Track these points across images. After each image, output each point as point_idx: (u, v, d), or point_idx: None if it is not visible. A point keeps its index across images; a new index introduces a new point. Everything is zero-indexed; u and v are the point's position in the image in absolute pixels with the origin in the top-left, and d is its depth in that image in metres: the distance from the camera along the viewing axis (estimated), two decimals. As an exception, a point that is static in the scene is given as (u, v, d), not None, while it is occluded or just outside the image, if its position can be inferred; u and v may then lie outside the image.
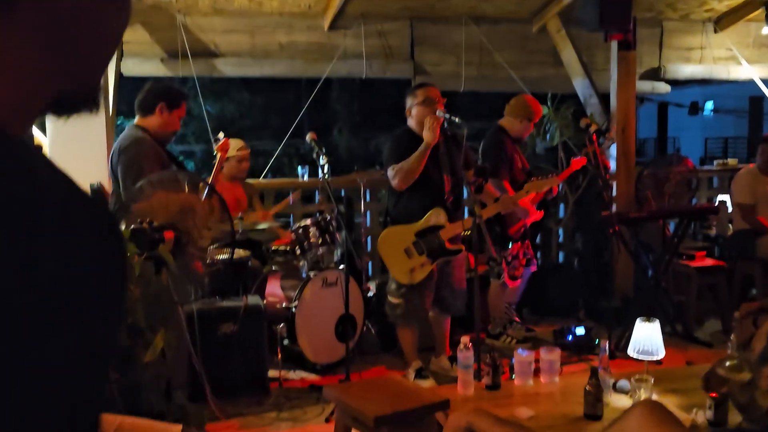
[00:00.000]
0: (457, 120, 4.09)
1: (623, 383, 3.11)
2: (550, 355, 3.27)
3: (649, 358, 3.14)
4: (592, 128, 4.88)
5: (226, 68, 6.86)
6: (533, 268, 5.39)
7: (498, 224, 4.97)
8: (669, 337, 5.29)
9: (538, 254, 6.74)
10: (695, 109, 27.65)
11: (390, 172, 4.37)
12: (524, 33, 7.36)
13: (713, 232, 6.60)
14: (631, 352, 3.19)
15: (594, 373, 2.88)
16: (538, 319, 5.98)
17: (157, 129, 3.73)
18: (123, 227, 2.65)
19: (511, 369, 3.39)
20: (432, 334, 4.80)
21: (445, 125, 4.19)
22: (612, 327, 5.02)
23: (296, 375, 4.82)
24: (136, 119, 3.78)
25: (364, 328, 5.14)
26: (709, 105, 28.37)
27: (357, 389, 2.95)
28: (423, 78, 6.74)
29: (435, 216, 4.38)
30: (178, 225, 3.16)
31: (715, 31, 7.69)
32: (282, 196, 7.17)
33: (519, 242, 5.18)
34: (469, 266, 4.64)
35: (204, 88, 7.63)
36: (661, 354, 3.17)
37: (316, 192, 6.32)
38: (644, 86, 7.52)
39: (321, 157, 4.34)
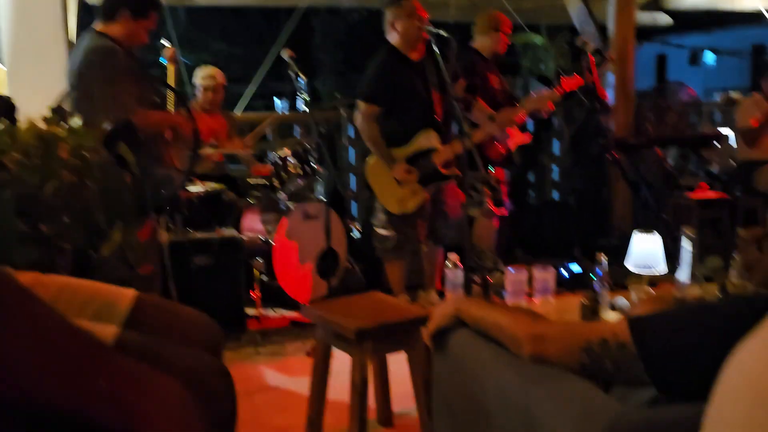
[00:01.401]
0: (444, 34, 3.96)
1: (621, 301, 3.05)
2: (544, 274, 3.21)
3: (650, 272, 3.08)
4: (589, 47, 4.76)
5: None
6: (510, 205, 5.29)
7: (479, 151, 4.84)
8: (669, 274, 5.27)
9: (531, 193, 6.68)
10: (695, 58, 27.58)
11: (361, 107, 4.23)
12: (517, -41, 7.22)
13: (715, 167, 6.54)
14: (630, 265, 3.13)
15: (591, 286, 2.82)
16: (531, 259, 5.91)
17: (121, 39, 3.52)
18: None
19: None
20: (420, 269, 4.72)
21: (431, 40, 4.06)
22: (610, 264, 4.96)
23: (276, 313, 4.75)
24: (96, 25, 3.57)
25: (348, 265, 5.07)
26: (711, 55, 28.30)
27: (339, 305, 2.87)
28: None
29: (426, 138, 4.26)
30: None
31: (719, -41, 7.58)
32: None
33: (501, 167, 5.06)
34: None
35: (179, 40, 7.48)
36: (662, 268, 3.10)
37: (295, 127, 6.22)
38: (644, 18, 7.39)
39: (299, 76, 4.21)
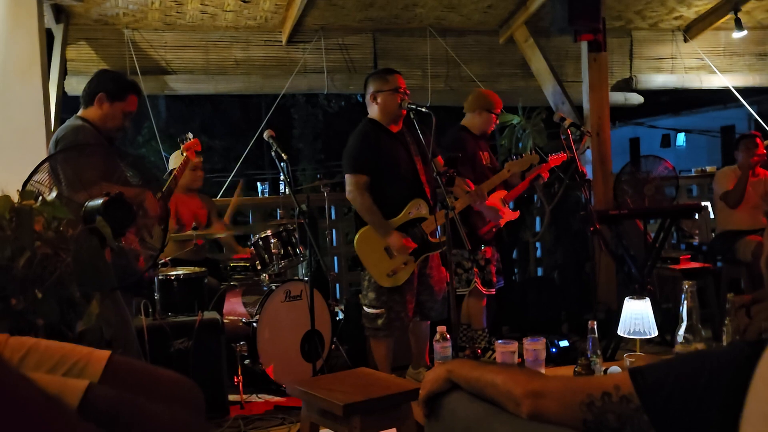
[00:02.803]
0: (424, 110, 4.00)
1: (614, 369, 2.97)
2: (535, 344, 3.13)
3: (642, 337, 3.02)
4: (567, 122, 4.82)
5: (179, 85, 6.76)
6: (501, 283, 5.26)
7: (466, 225, 4.83)
8: (657, 345, 5.19)
9: (515, 270, 6.65)
10: (667, 140, 28.21)
11: (349, 180, 4.23)
12: (492, 44, 7.40)
13: (696, 240, 6.56)
14: (621, 331, 3.06)
15: (582, 353, 2.74)
16: (519, 336, 5.82)
17: (96, 122, 3.52)
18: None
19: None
20: (406, 348, 4.62)
21: (412, 115, 4.09)
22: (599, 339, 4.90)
23: (259, 398, 4.60)
24: (79, 111, 3.59)
25: (333, 346, 4.96)
26: (681, 137, 28.97)
27: (325, 382, 2.77)
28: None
29: (415, 207, 4.25)
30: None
31: (685, 40, 7.80)
32: (240, 221, 7.07)
33: (491, 246, 5.05)
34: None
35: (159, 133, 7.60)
36: (653, 332, 3.04)
37: (277, 210, 6.20)
38: (617, 98, 7.55)
39: (281, 156, 4.20)
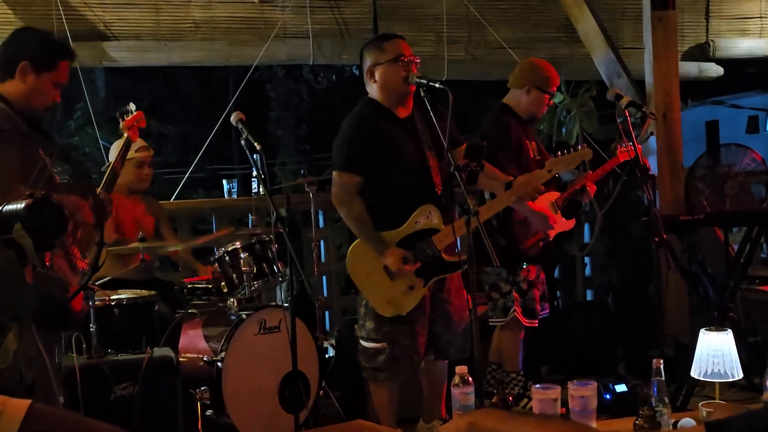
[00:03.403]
0: (438, 85, 4.01)
1: (687, 421, 2.97)
2: (582, 390, 3.12)
3: (722, 380, 3.02)
4: (624, 101, 4.82)
5: (121, 55, 6.77)
6: (546, 312, 5.27)
7: (504, 237, 4.83)
8: (742, 390, 5.19)
9: (558, 293, 6.66)
10: (754, 124, 28.22)
11: (337, 179, 4.24)
12: (528, 1, 7.42)
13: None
14: (696, 373, 3.07)
15: (645, 401, 2.74)
16: (563, 379, 5.84)
17: (18, 99, 3.49)
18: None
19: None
20: (417, 394, 4.63)
21: (422, 93, 4.10)
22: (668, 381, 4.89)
23: (226, 459, 4.61)
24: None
25: (321, 392, 4.97)
26: (774, 120, 28.99)
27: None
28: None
29: (425, 216, 4.24)
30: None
31: (778, -6, 7.82)
32: (200, 230, 7.09)
33: (536, 265, 5.05)
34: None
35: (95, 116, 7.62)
36: (737, 373, 3.04)
37: (249, 216, 6.23)
38: (689, 69, 7.57)
39: (254, 146, 4.19)
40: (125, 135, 4.21)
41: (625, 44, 7.29)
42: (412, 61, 4.22)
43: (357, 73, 19.94)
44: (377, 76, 4.26)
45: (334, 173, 4.26)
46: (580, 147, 4.77)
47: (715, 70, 7.82)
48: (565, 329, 6.01)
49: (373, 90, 4.32)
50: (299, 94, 21.32)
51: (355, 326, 4.63)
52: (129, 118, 4.24)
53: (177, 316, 4.96)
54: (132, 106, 4.28)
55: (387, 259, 4.17)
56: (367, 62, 4.31)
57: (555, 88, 5.08)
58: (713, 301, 5.03)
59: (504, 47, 7.15)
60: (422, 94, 4.10)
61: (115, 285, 4.67)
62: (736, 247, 5.65)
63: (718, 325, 4.20)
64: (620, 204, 6.21)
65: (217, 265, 5.01)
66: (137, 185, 5.27)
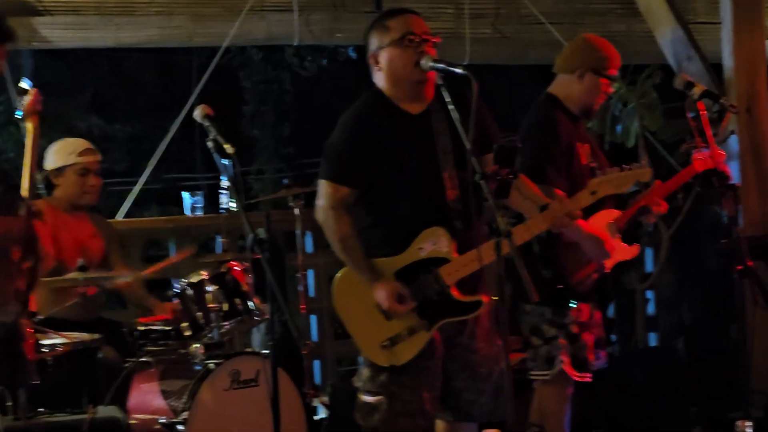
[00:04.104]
0: (459, 70, 4.00)
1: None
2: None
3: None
4: (698, 90, 4.81)
5: (56, 34, 6.82)
6: (603, 362, 5.24)
7: (548, 267, 4.80)
8: None
9: (613, 337, 6.64)
10: None
11: (323, 189, 4.22)
12: (572, -37, 7.48)
13: None
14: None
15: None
16: (620, 446, 5.86)
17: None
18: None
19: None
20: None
21: (439, 80, 4.09)
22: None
23: None
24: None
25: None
26: None
27: None
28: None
29: (431, 241, 4.23)
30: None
31: None
32: (155, 257, 7.07)
33: (590, 303, 5.02)
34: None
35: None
36: None
37: (218, 239, 6.21)
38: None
39: (224, 150, 4.20)
40: (29, 126, 4.09)
41: (698, 18, 7.31)
42: (426, 41, 4.21)
43: (354, 56, 19.93)
44: (382, 61, 4.26)
45: (321, 182, 4.25)
46: (639, 153, 4.76)
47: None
48: (623, 383, 5.99)
49: (379, 80, 4.32)
50: (281, 84, 21.29)
51: (354, 378, 4.60)
52: (29, 100, 4.13)
53: (127, 365, 4.96)
54: (25, 84, 4.15)
55: (376, 294, 4.15)
56: (372, 46, 4.31)
57: (616, 71, 5.06)
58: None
59: (542, 22, 7.17)
60: (439, 82, 4.08)
61: (49, 326, 4.67)
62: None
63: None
64: (692, 223, 6.20)
65: (177, 301, 5.00)
66: (81, 199, 5.26)
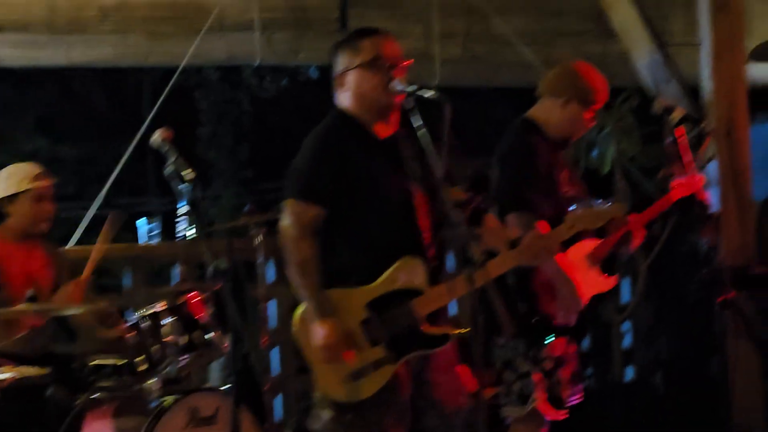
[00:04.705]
0: (430, 95, 4.02)
1: None
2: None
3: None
4: (676, 114, 4.87)
5: (4, 53, 6.81)
6: (578, 397, 5.27)
7: (524, 300, 4.82)
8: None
9: (589, 371, 6.67)
10: None
11: (290, 209, 4.22)
12: (545, -17, 7.54)
13: None
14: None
15: None
16: (595, 486, 5.87)
17: None
18: None
19: None
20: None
21: (409, 105, 4.11)
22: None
23: None
24: None
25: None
26: None
27: None
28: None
29: (405, 272, 4.24)
30: None
31: None
32: (107, 287, 7.05)
33: (565, 336, 5.04)
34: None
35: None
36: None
37: (175, 268, 6.21)
38: (760, 72, 7.64)
39: (181, 175, 4.20)
40: None
41: (675, 39, 7.36)
42: (397, 64, 4.23)
43: (316, 76, 19.89)
44: (350, 83, 4.27)
45: (288, 201, 4.24)
46: (616, 180, 4.79)
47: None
48: (599, 418, 6.01)
49: (344, 101, 4.33)
50: (239, 104, 21.22)
51: (311, 414, 4.59)
52: None
53: (78, 402, 4.89)
54: None
55: (316, 330, 4.12)
56: (339, 66, 4.32)
57: (602, 104, 5.07)
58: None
59: (514, 43, 7.22)
60: (408, 106, 4.09)
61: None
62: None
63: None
64: (671, 252, 6.24)
65: (133, 333, 4.97)
66: (36, 227, 5.25)
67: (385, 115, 4.29)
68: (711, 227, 4.90)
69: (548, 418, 4.93)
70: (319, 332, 4.09)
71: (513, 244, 4.42)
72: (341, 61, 4.31)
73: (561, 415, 4.98)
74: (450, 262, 4.86)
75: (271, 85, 20.55)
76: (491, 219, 4.45)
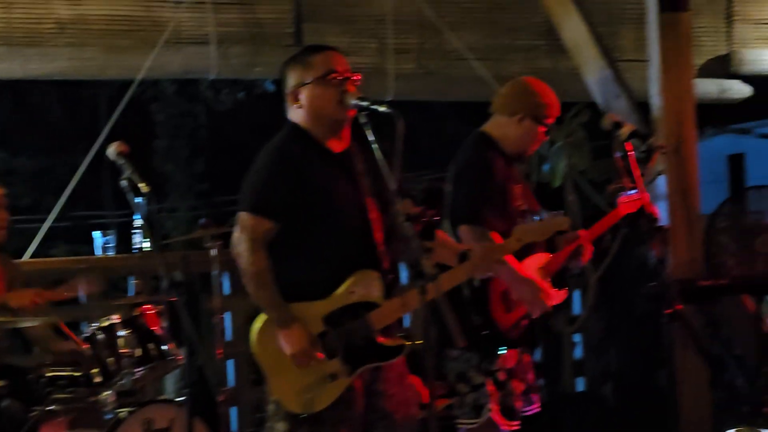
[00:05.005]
0: (383, 109, 4.03)
1: None
2: None
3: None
4: (625, 130, 4.90)
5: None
6: (535, 407, 5.28)
7: (478, 312, 4.83)
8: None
9: (540, 381, 6.68)
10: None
11: (242, 222, 4.21)
12: (497, -1, 7.56)
13: None
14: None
15: None
16: (545, 496, 5.87)
17: None
18: None
19: None
20: None
21: (362, 120, 4.11)
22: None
23: None
24: None
25: None
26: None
27: None
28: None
29: (362, 285, 4.23)
30: None
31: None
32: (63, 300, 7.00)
33: (518, 348, 5.06)
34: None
35: None
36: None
37: (130, 280, 6.18)
38: (707, 88, 7.70)
39: (137, 188, 4.19)
40: None
41: (624, 55, 7.41)
42: (349, 78, 4.24)
43: (272, 89, 19.85)
44: (303, 99, 4.27)
45: (241, 214, 4.23)
46: (566, 194, 4.81)
47: (739, 89, 7.97)
48: (549, 429, 6.01)
49: (297, 117, 4.32)
50: (195, 117, 21.17)
51: (265, 428, 4.58)
52: None
53: (32, 414, 4.86)
54: None
55: (283, 337, 4.13)
56: (290, 82, 4.31)
57: (554, 119, 5.10)
58: (743, 392, 5.08)
59: (467, 58, 7.24)
60: (362, 120, 4.10)
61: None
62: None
63: (749, 425, 4.27)
64: (620, 266, 6.26)
65: (87, 345, 4.94)
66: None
67: (337, 129, 4.29)
68: (659, 241, 4.91)
69: (502, 428, 4.95)
70: (288, 339, 4.09)
71: (463, 257, 4.45)
72: (293, 77, 4.30)
73: (514, 425, 4.99)
74: (403, 275, 4.81)
75: (228, 98, 20.58)
76: (441, 234, 4.46)
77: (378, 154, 4.03)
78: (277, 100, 4.55)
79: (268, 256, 4.18)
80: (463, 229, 4.63)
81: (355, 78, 4.25)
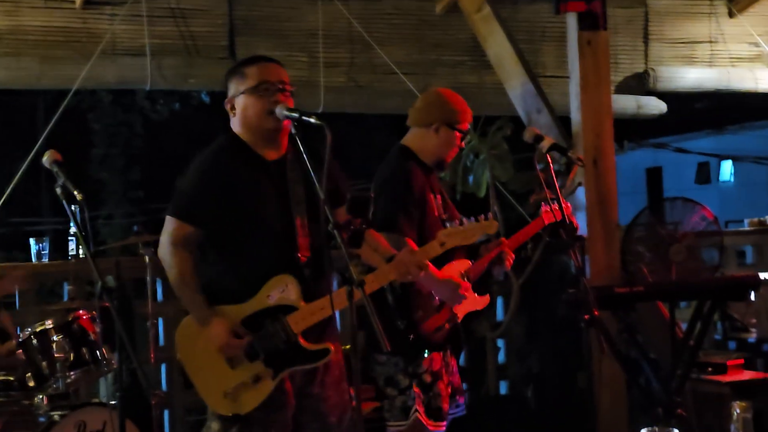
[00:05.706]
0: (313, 120, 4.03)
1: None
2: None
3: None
4: (546, 143, 4.93)
5: None
6: (461, 410, 5.30)
7: (402, 317, 4.83)
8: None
9: (464, 386, 6.70)
10: (706, 173, 29.14)
11: (166, 226, 4.21)
12: (424, 14, 7.61)
13: (753, 335, 6.75)
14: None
15: None
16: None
17: None
18: None
19: None
20: None
21: (293, 131, 4.12)
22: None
23: None
24: None
25: None
26: (727, 168, 29.79)
27: None
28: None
29: (279, 288, 4.23)
30: None
31: (731, 15, 8.13)
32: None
33: (441, 351, 5.07)
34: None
35: None
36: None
37: (65, 286, 6.12)
38: (625, 104, 7.81)
39: (72, 196, 4.15)
40: None
41: (546, 72, 7.49)
42: (281, 89, 4.24)
43: (207, 100, 19.82)
44: (237, 108, 4.28)
45: (167, 218, 4.22)
46: (490, 204, 4.84)
47: (656, 105, 8.08)
48: (473, 431, 6.03)
49: (234, 125, 4.33)
50: (131, 127, 21.05)
51: (203, 430, 4.56)
52: None
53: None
54: None
55: (210, 332, 4.13)
56: (229, 92, 4.33)
57: (468, 125, 5.14)
58: (656, 394, 5.13)
59: (395, 72, 7.27)
60: (293, 131, 4.11)
61: None
62: (684, 327, 5.80)
63: (663, 425, 4.31)
64: (541, 273, 6.30)
65: (21, 350, 4.89)
66: None
67: (271, 138, 4.29)
68: (578, 250, 4.95)
69: (429, 429, 4.95)
70: (211, 335, 4.09)
71: (389, 260, 4.47)
72: (232, 87, 4.31)
73: (440, 426, 5.00)
74: (334, 281, 4.82)
75: (163, 108, 20.48)
76: (372, 234, 4.46)
77: (309, 163, 4.04)
78: (212, 110, 4.55)
79: (193, 259, 4.18)
80: (382, 236, 4.66)
81: (287, 89, 4.26)
